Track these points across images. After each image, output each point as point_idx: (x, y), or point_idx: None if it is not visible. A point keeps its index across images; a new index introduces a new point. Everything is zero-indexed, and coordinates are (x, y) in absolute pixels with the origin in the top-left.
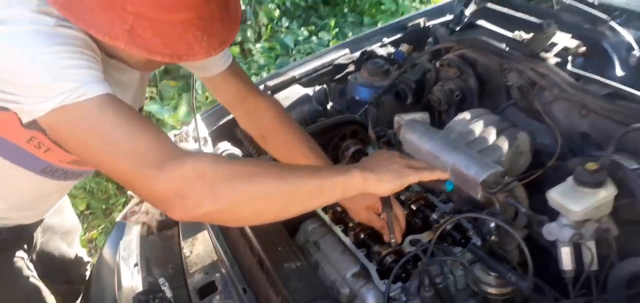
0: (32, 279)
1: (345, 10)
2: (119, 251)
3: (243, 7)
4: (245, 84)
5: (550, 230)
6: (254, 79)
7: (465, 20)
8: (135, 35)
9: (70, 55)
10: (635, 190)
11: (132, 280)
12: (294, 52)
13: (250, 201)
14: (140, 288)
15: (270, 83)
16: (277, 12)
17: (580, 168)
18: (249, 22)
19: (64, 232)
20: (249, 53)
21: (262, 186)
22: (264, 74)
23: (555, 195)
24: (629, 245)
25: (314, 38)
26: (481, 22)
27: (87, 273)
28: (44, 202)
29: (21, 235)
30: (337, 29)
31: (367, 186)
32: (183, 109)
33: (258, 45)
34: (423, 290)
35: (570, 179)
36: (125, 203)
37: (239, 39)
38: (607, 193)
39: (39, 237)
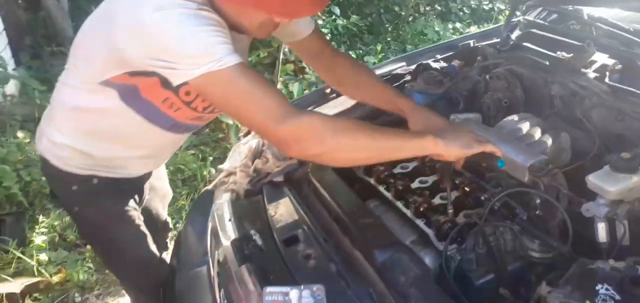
0: (141, 227)
1: (389, 38)
2: (212, 211)
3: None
4: (326, 44)
5: (589, 208)
6: (307, 92)
7: (511, 42)
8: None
9: (213, 33)
10: None
11: (226, 232)
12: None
13: (347, 150)
14: (234, 237)
15: None
16: (328, 37)
17: (616, 156)
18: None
19: (162, 195)
20: (302, 71)
21: (357, 140)
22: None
23: (594, 179)
24: None
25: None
26: (526, 44)
27: (168, 239)
28: (163, 152)
29: (136, 187)
30: (382, 54)
31: (437, 149)
32: None
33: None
34: (477, 248)
35: (606, 166)
36: (187, 195)
37: (292, 58)
38: (638, 179)
39: (146, 193)
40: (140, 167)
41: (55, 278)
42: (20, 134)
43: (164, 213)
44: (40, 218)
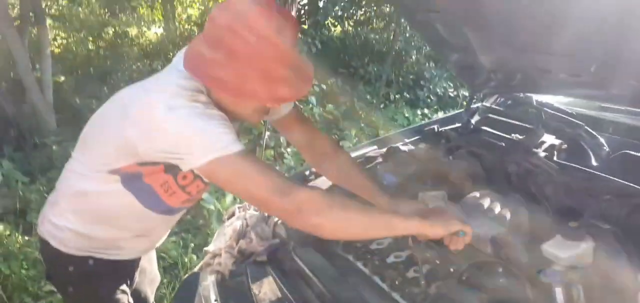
0: None
1: (362, 124)
2: (199, 292)
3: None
4: (305, 121)
5: (547, 274)
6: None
7: (472, 126)
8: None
9: (219, 125)
10: (609, 242)
11: None
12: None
13: (342, 223)
14: None
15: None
16: None
17: (566, 226)
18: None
19: (151, 279)
20: (281, 157)
21: (350, 215)
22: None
23: (548, 247)
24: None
25: None
26: (484, 128)
27: None
28: (156, 233)
29: (128, 269)
30: (356, 139)
31: (422, 229)
32: (229, 198)
33: (289, 149)
34: None
35: (558, 235)
36: (169, 283)
37: (272, 144)
38: (586, 246)
39: (136, 276)
40: (134, 249)
41: None
42: (0, 227)
43: (151, 297)
44: None
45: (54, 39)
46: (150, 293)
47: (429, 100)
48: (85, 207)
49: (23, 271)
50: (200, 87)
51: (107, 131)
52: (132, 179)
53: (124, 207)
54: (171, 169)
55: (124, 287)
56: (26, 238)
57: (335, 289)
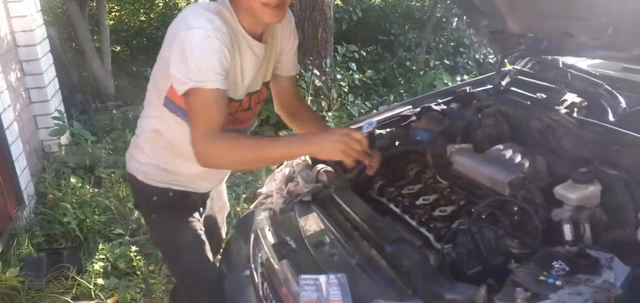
0: (202, 236)
1: (401, 90)
2: (254, 226)
3: (319, 83)
4: (294, 89)
5: (557, 213)
6: None
7: (502, 88)
8: None
9: (216, 54)
10: (615, 187)
11: (267, 240)
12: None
13: (240, 161)
14: (273, 241)
15: (353, 126)
16: (345, 89)
17: (576, 171)
18: (322, 97)
19: (220, 206)
20: (323, 120)
21: (247, 155)
22: None
23: (559, 189)
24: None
25: (374, 111)
26: (513, 89)
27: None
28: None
29: (201, 200)
30: (395, 104)
31: (313, 152)
32: None
33: (330, 114)
34: (467, 244)
35: (569, 180)
36: None
37: (314, 108)
38: (594, 188)
39: (208, 205)
40: (205, 182)
41: (109, 301)
42: (73, 180)
43: (222, 224)
44: (101, 247)
45: (109, 12)
46: (220, 220)
47: (468, 66)
48: (159, 144)
49: (95, 217)
50: (224, 11)
51: (159, 61)
52: (179, 109)
53: (186, 136)
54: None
55: (197, 215)
56: (96, 189)
57: (370, 222)
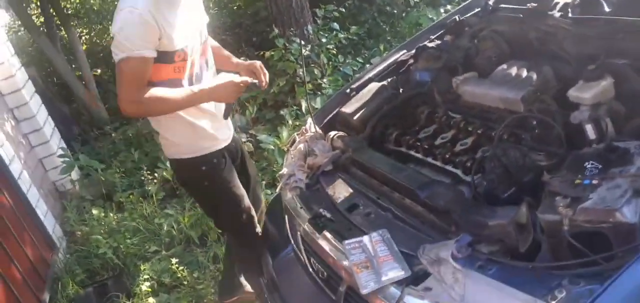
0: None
1: (389, 37)
2: (285, 206)
3: (306, 52)
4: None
5: (575, 116)
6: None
7: (490, 8)
8: None
9: (143, 28)
10: (626, 75)
11: (301, 216)
12: (351, 79)
13: (157, 112)
14: (308, 216)
15: (354, 85)
16: (334, 51)
17: (585, 70)
18: (313, 65)
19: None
20: (319, 87)
21: (162, 108)
22: None
23: (573, 91)
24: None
25: (368, 66)
26: (502, 6)
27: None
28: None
29: (231, 153)
30: (386, 53)
31: (211, 99)
32: (285, 133)
33: (325, 80)
34: (495, 169)
35: (580, 81)
36: None
37: (308, 78)
38: (606, 82)
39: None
40: (220, 127)
41: None
42: (95, 211)
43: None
44: (142, 267)
45: (79, 38)
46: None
47: None
48: (171, 120)
49: (128, 241)
50: None
51: None
52: (154, 84)
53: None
54: (158, 59)
55: (230, 163)
56: (119, 215)
57: (396, 174)
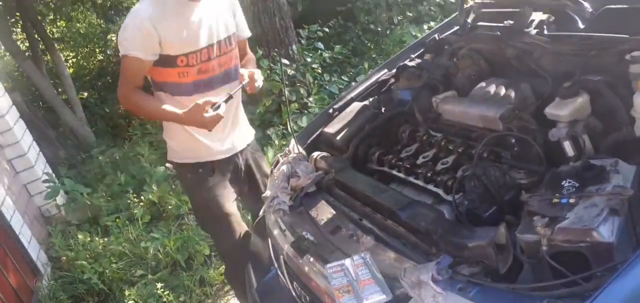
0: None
1: (373, 55)
2: (268, 229)
3: (291, 72)
4: (246, 49)
5: (553, 133)
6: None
7: (469, 26)
8: None
9: (139, 32)
10: (602, 91)
11: (284, 239)
12: (337, 97)
13: (142, 115)
14: (291, 239)
15: (336, 105)
16: (319, 70)
17: (561, 87)
18: (298, 84)
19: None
20: (305, 106)
21: (147, 112)
22: None
23: (549, 109)
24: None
25: (353, 84)
26: (480, 24)
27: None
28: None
29: (230, 163)
30: (371, 70)
31: (181, 122)
32: (270, 153)
33: (311, 98)
34: (475, 188)
35: (557, 98)
36: None
37: (294, 98)
38: (582, 99)
39: (242, 165)
40: (217, 141)
41: None
42: (80, 236)
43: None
44: (127, 292)
45: (65, 61)
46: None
47: (432, 12)
48: (172, 124)
49: (113, 265)
50: None
51: None
52: (162, 85)
53: (179, 103)
54: (162, 63)
55: (227, 175)
56: (105, 239)
57: (378, 194)
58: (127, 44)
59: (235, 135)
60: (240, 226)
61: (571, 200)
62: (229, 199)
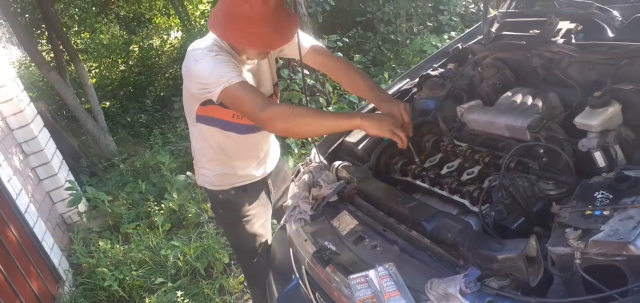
0: (260, 229)
1: (393, 65)
2: (290, 239)
3: (312, 82)
4: (324, 54)
5: (583, 143)
6: None
7: (493, 35)
8: (251, 42)
9: (225, 65)
10: (634, 101)
11: (306, 250)
12: (357, 107)
13: (302, 126)
14: (312, 250)
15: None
16: None
17: (591, 97)
18: (318, 93)
19: (283, 177)
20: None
21: (307, 120)
22: None
23: (579, 119)
24: None
25: None
26: (505, 33)
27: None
28: (255, 151)
29: (259, 186)
30: (390, 81)
31: (363, 128)
32: (291, 162)
33: (330, 108)
34: (503, 199)
35: (587, 107)
36: None
37: (314, 106)
38: (613, 108)
39: (271, 186)
40: (252, 169)
41: None
42: (101, 243)
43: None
44: (147, 300)
45: (89, 71)
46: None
47: (452, 23)
48: (210, 154)
49: (134, 273)
50: (219, 41)
51: (184, 91)
52: (211, 120)
53: (226, 139)
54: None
55: (257, 202)
56: (126, 246)
57: (402, 204)
58: (228, 75)
59: (269, 159)
60: (266, 245)
61: (605, 212)
62: (260, 219)
